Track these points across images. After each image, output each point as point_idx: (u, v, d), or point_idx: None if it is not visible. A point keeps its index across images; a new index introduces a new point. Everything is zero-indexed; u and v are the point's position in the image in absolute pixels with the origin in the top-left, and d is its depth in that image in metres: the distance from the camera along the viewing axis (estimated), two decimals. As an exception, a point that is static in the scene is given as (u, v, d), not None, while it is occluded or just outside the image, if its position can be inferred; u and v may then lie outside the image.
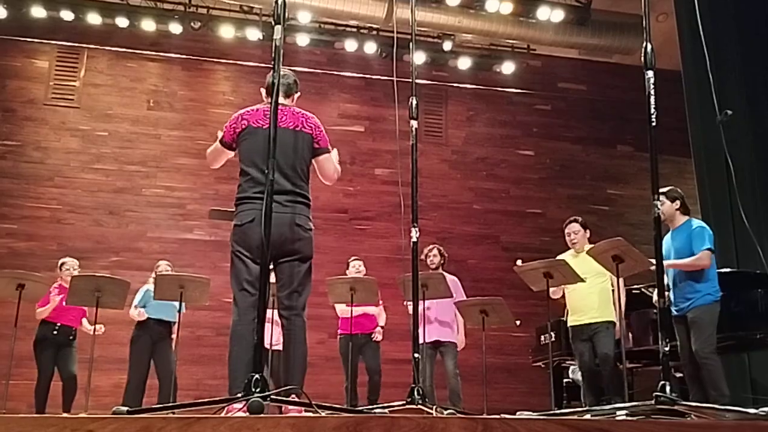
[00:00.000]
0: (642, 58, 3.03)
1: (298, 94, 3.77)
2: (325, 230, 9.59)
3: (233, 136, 3.58)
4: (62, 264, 6.92)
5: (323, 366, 8.52)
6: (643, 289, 6.15)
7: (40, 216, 9.04)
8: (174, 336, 6.62)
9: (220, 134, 3.67)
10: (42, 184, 9.16)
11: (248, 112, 3.61)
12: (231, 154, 3.65)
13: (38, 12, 9.20)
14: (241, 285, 3.40)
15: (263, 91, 3.74)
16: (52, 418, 1.62)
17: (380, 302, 6.89)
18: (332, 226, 9.68)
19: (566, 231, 5.94)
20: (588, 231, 5.89)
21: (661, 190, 5.24)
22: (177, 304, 6.25)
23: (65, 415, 6.10)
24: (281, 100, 3.61)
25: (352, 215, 9.94)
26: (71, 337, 6.70)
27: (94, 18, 9.33)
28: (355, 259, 7.15)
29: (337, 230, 9.73)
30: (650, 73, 3.00)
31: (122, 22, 9.40)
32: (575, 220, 5.93)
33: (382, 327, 6.89)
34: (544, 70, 10.95)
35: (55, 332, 6.62)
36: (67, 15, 9.27)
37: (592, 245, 5.30)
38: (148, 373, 6.63)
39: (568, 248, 5.97)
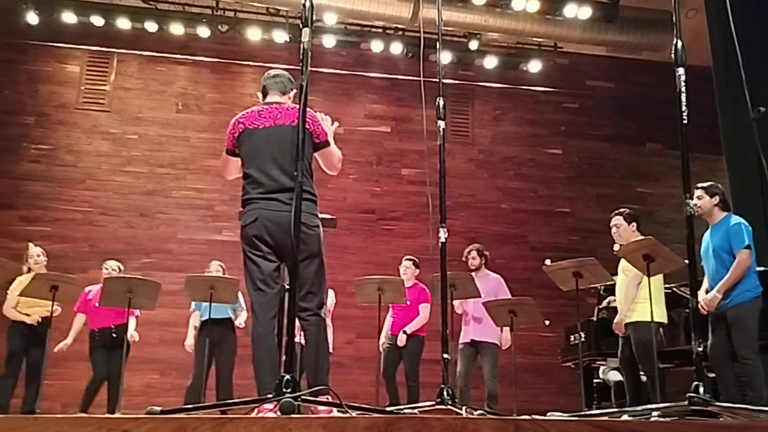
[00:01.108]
0: (672, 55, 2.99)
1: (294, 91, 3.77)
2: (352, 231, 9.62)
3: (233, 142, 3.60)
4: (104, 265, 7.05)
5: (352, 366, 8.57)
6: (675, 289, 6.07)
7: (72, 218, 9.18)
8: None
9: None
10: (74, 187, 9.31)
11: (243, 115, 3.63)
12: (237, 161, 3.64)
13: (69, 18, 9.35)
14: (255, 285, 3.43)
15: (260, 94, 3.77)
16: (89, 418, 1.65)
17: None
18: (359, 227, 9.71)
19: (610, 224, 5.72)
20: (635, 223, 5.55)
21: (700, 185, 5.18)
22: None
23: (100, 415, 6.19)
24: (277, 98, 3.66)
25: (379, 216, 9.95)
26: (114, 335, 6.72)
27: (123, 23, 9.46)
28: (407, 259, 7.13)
29: (365, 231, 9.75)
30: (681, 70, 2.97)
31: (151, 26, 9.52)
32: (618, 213, 5.65)
33: (405, 332, 6.84)
34: (572, 68, 10.87)
35: (97, 338, 6.72)
36: (97, 20, 9.40)
37: (633, 240, 5.16)
38: (208, 373, 6.69)
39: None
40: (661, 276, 5.33)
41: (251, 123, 3.57)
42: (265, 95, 3.72)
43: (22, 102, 9.46)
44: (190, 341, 6.94)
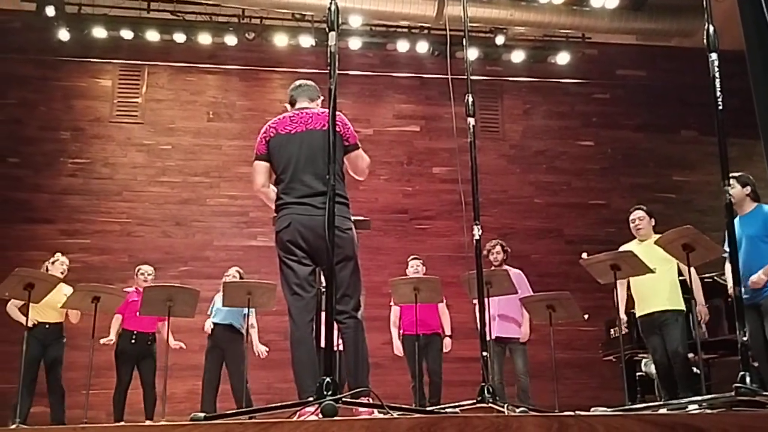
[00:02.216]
0: (704, 41, 2.95)
1: (321, 98, 3.81)
2: (386, 231, 9.63)
3: (265, 147, 3.62)
4: (138, 270, 7.18)
5: (390, 367, 8.55)
6: (715, 278, 5.97)
7: (111, 230, 9.34)
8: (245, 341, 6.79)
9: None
10: (111, 199, 9.46)
11: (274, 121, 3.67)
12: (267, 166, 3.64)
13: (99, 33, 9.51)
14: (292, 289, 3.45)
15: (288, 106, 3.80)
16: (138, 427, 1.68)
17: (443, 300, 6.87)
18: (393, 227, 9.71)
19: (630, 218, 5.82)
20: (653, 219, 5.76)
21: (732, 175, 5.10)
22: (245, 309, 6.42)
23: (148, 423, 6.30)
24: (306, 104, 3.70)
25: (412, 215, 9.94)
26: (149, 342, 6.87)
27: (152, 35, 9.59)
28: (413, 258, 7.14)
29: (398, 231, 9.75)
30: (714, 56, 2.92)
31: (180, 37, 9.64)
32: (639, 208, 5.83)
33: (449, 337, 6.86)
34: (601, 58, 10.74)
35: (133, 341, 6.84)
36: (126, 34, 9.55)
37: (659, 234, 5.17)
38: (220, 379, 6.78)
39: (633, 238, 5.85)
40: (674, 263, 5.36)
41: (283, 128, 3.60)
42: (293, 105, 3.75)
43: (57, 118, 9.65)
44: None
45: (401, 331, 6.97)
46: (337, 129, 3.54)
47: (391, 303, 6.89)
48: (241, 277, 7.02)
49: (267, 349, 7.03)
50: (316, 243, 3.34)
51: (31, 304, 6.12)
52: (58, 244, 8.78)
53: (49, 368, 6.60)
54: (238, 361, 6.73)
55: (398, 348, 6.93)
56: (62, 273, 6.72)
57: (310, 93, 3.76)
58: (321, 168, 3.43)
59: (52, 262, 6.78)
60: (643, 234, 5.70)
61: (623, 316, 5.75)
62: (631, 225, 5.80)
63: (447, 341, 6.84)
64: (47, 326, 6.60)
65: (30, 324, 6.30)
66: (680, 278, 5.57)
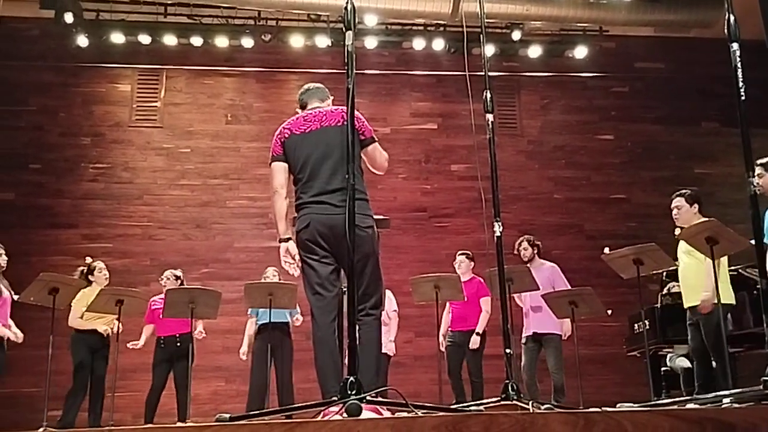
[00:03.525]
0: (726, 31, 2.91)
1: (331, 98, 3.83)
2: (405, 230, 9.62)
3: (281, 148, 3.62)
4: (163, 276, 7.26)
5: (412, 365, 8.58)
6: (741, 270, 5.89)
7: (132, 234, 9.42)
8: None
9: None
10: (132, 203, 9.54)
11: (288, 123, 3.67)
12: (285, 167, 3.63)
13: (117, 38, 9.59)
14: (313, 289, 3.44)
15: (299, 110, 3.79)
16: (166, 428, 1.69)
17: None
18: (412, 226, 9.71)
19: (671, 206, 5.58)
20: (696, 205, 5.39)
21: (760, 162, 5.02)
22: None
23: (178, 424, 6.34)
24: (318, 104, 3.70)
25: (431, 213, 9.93)
26: (178, 344, 6.88)
27: (170, 39, 9.66)
28: (461, 254, 7.12)
29: (417, 229, 9.74)
30: (735, 46, 2.89)
31: (197, 41, 9.69)
32: (680, 194, 5.49)
33: (478, 334, 6.82)
34: (619, 51, 10.65)
35: (162, 345, 6.90)
36: (144, 39, 9.62)
37: (695, 223, 5.02)
38: (269, 378, 6.80)
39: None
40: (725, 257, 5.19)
41: (297, 128, 3.60)
42: (304, 108, 3.75)
43: (78, 123, 9.75)
44: (244, 349, 7.06)
45: (449, 328, 6.95)
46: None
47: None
48: (279, 278, 7.04)
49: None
50: (336, 241, 3.33)
51: (85, 313, 6.34)
52: (81, 249, 8.89)
53: (93, 380, 6.71)
54: (286, 359, 6.79)
55: (441, 342, 6.89)
56: (106, 279, 6.86)
57: (320, 94, 3.77)
58: (338, 164, 3.43)
59: (90, 271, 6.89)
60: (681, 222, 5.39)
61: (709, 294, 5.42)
62: (672, 213, 5.56)
63: (474, 338, 6.76)
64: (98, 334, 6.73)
65: (102, 330, 6.52)
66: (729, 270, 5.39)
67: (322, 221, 3.39)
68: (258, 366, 6.83)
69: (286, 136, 3.62)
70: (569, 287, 6.28)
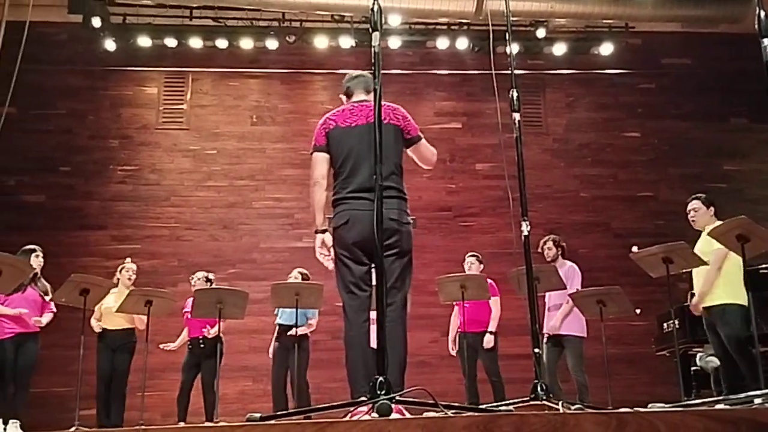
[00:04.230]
0: (756, 26, 2.87)
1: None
2: (430, 230, 9.61)
3: (324, 138, 3.56)
4: (193, 276, 7.34)
5: (438, 365, 8.55)
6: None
7: (160, 235, 9.52)
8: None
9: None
10: (160, 204, 9.65)
11: (334, 113, 3.61)
12: (326, 158, 3.57)
13: (144, 42, 9.70)
14: (347, 287, 3.41)
15: (343, 97, 3.76)
16: (197, 428, 1.71)
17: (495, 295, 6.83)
18: (437, 225, 9.69)
19: (687, 209, 5.64)
20: (712, 208, 5.53)
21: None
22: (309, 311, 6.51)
23: (208, 424, 6.40)
24: (363, 96, 3.63)
25: (456, 212, 9.90)
26: (202, 345, 6.96)
27: (196, 42, 9.75)
28: (470, 255, 7.13)
29: (443, 229, 9.72)
30: (766, 41, 2.84)
31: (222, 43, 9.77)
32: (696, 197, 5.62)
33: (492, 333, 6.81)
34: (645, 47, 10.54)
35: (190, 347, 6.99)
36: (170, 42, 9.72)
37: (716, 224, 5.02)
38: (286, 378, 6.85)
39: (685, 230, 5.72)
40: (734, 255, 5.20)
41: (343, 121, 3.54)
42: (349, 96, 3.69)
43: (106, 126, 9.88)
44: (272, 350, 7.13)
45: (458, 330, 6.94)
46: (398, 123, 3.54)
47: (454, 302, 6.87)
48: (303, 278, 7.07)
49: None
50: (372, 238, 3.24)
51: (103, 313, 6.40)
52: (110, 250, 9.01)
53: (115, 377, 6.78)
54: (302, 361, 6.83)
55: (450, 347, 6.89)
56: (129, 279, 6.94)
57: (367, 84, 3.67)
58: (381, 162, 3.41)
59: (123, 270, 6.99)
60: (698, 225, 5.52)
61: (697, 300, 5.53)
62: (688, 216, 5.62)
63: (487, 337, 6.76)
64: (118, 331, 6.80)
65: (98, 330, 6.56)
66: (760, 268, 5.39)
67: (361, 218, 3.34)
68: (277, 368, 6.90)
69: (331, 127, 3.56)
70: (580, 289, 6.24)
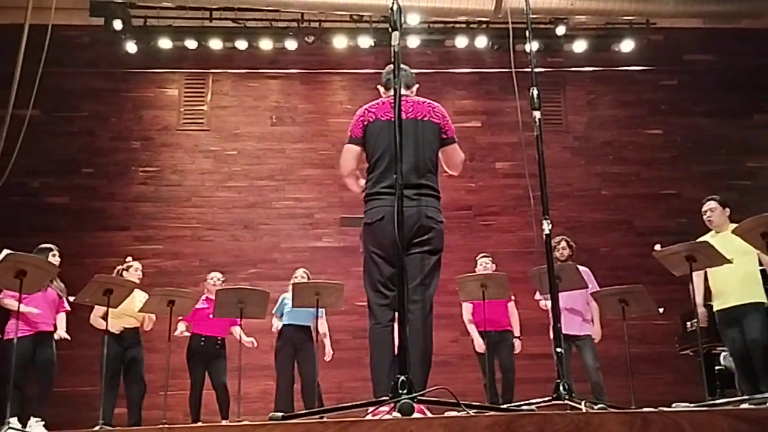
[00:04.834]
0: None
1: (417, 85, 3.73)
2: (450, 229, 9.49)
3: (362, 130, 3.51)
4: (208, 278, 7.39)
5: (459, 364, 8.54)
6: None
7: (182, 235, 9.59)
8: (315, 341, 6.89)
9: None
10: (181, 205, 9.72)
11: (374, 105, 3.55)
12: (359, 151, 3.54)
13: (165, 44, 9.77)
14: (374, 286, 3.38)
15: (381, 88, 3.71)
16: (220, 427, 1.72)
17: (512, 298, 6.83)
18: (457, 224, 9.66)
19: (702, 210, 5.67)
20: (728, 209, 5.59)
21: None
22: (312, 310, 6.49)
23: (226, 423, 6.45)
24: (403, 91, 3.58)
25: (476, 211, 9.87)
26: (218, 347, 7.06)
27: (215, 44, 9.80)
28: (482, 256, 7.13)
29: (462, 228, 9.69)
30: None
31: (241, 44, 9.82)
32: (712, 198, 5.70)
33: (518, 338, 6.84)
34: (667, 44, 10.43)
35: (202, 343, 7.03)
36: (191, 43, 9.78)
37: (737, 224, 5.00)
38: (294, 378, 6.88)
39: (708, 229, 5.68)
40: (754, 254, 5.22)
41: (383, 114, 3.48)
42: (388, 89, 3.60)
43: (128, 128, 9.97)
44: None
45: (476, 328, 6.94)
46: (437, 121, 3.51)
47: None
48: (308, 278, 7.11)
49: (331, 352, 7.06)
50: (407, 236, 3.20)
51: (110, 311, 6.39)
52: (133, 251, 9.08)
53: (127, 368, 6.80)
54: (310, 361, 6.82)
55: (480, 344, 6.84)
56: (138, 279, 6.97)
57: (407, 79, 3.61)
58: (419, 159, 3.35)
59: (126, 269, 7.00)
60: (715, 225, 5.54)
61: (702, 309, 5.59)
62: (704, 216, 5.64)
63: (517, 343, 6.81)
64: (125, 331, 6.81)
65: (115, 331, 6.58)
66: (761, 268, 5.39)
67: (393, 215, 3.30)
68: (282, 368, 6.89)
69: (371, 120, 3.50)
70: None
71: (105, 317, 6.23)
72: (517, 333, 6.87)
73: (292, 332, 6.91)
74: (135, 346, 6.85)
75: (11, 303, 6.10)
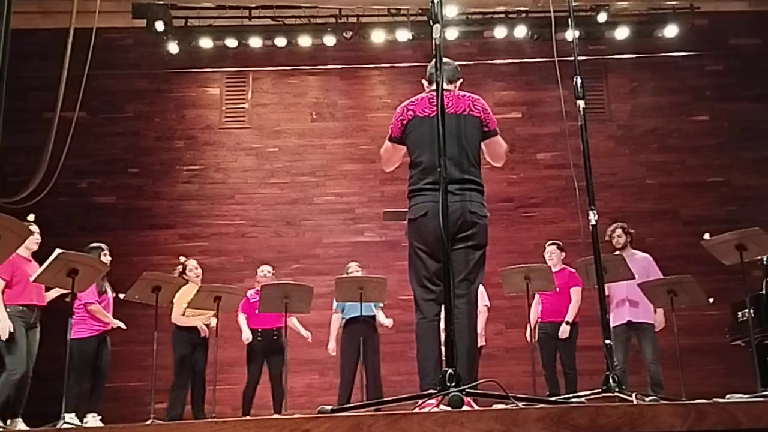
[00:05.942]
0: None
1: (461, 80, 3.72)
2: (492, 221, 9.31)
3: (401, 129, 3.52)
4: (258, 271, 7.51)
5: (503, 357, 8.51)
6: None
7: (226, 232, 9.73)
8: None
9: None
10: (225, 202, 9.85)
11: (413, 102, 3.56)
12: (403, 149, 3.57)
13: (206, 43, 9.89)
14: (420, 281, 3.39)
15: (425, 82, 3.70)
16: (272, 420, 1.74)
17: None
18: (499, 217, 9.58)
19: None
20: None
21: None
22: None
23: (281, 416, 6.53)
24: (445, 86, 3.57)
25: (518, 203, 9.79)
26: (275, 338, 7.11)
27: (255, 42, 9.88)
28: (551, 243, 7.04)
29: (504, 220, 9.62)
30: None
31: (281, 42, 9.88)
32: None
33: (567, 323, 6.70)
34: (712, 28, 10.17)
35: (259, 338, 7.12)
36: (231, 42, 9.88)
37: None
38: (356, 371, 6.91)
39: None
40: None
41: (422, 111, 3.49)
42: (431, 83, 3.60)
43: (172, 128, 10.14)
44: (332, 345, 7.19)
45: (538, 319, 6.88)
46: (478, 114, 3.50)
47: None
48: (362, 272, 7.15)
49: (392, 321, 7.13)
50: (451, 231, 3.18)
51: (187, 311, 6.62)
52: (179, 248, 9.24)
53: (194, 367, 6.98)
54: (377, 353, 6.89)
55: (528, 336, 6.80)
56: (197, 276, 7.13)
57: (449, 73, 3.57)
58: (460, 154, 3.35)
59: (183, 270, 7.18)
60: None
61: None
62: None
63: (563, 327, 6.66)
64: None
65: (202, 327, 6.85)
66: None
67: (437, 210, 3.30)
68: (348, 360, 6.93)
69: (410, 117, 3.51)
70: (651, 279, 6.08)
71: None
72: (569, 318, 6.67)
73: (360, 324, 6.89)
74: (204, 351, 7.02)
75: (98, 309, 6.44)
